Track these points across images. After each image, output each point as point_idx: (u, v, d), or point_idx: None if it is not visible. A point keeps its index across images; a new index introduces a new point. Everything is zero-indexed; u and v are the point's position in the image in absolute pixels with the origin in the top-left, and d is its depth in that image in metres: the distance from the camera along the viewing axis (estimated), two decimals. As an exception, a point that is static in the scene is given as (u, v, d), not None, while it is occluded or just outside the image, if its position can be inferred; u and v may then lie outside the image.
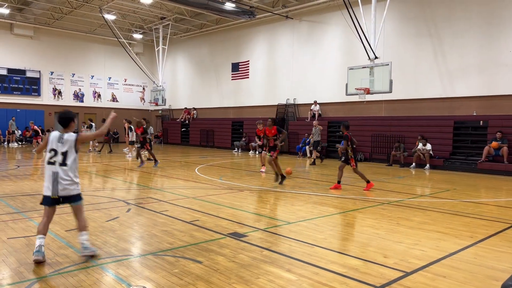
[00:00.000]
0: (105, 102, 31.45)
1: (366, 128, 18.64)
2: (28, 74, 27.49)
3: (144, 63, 30.14)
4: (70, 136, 4.56)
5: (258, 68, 24.87)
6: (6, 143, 25.24)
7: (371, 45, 15.90)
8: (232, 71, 26.49)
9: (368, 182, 9.70)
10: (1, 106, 26.35)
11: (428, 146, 15.79)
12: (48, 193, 4.50)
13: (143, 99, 33.46)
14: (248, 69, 25.49)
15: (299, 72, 22.43)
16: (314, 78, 21.68)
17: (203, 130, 27.42)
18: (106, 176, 11.78)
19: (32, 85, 27.69)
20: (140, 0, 22.28)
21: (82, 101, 30.35)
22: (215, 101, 27.90)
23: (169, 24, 26.85)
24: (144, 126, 14.38)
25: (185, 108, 29.59)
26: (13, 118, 25.41)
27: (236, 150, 23.73)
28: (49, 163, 4.50)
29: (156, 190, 9.41)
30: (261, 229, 5.85)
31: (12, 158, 17.29)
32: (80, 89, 30.22)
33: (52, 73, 28.69)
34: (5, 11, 23.98)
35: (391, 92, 15.69)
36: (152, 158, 14.62)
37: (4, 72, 26.52)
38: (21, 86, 27.24)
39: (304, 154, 20.05)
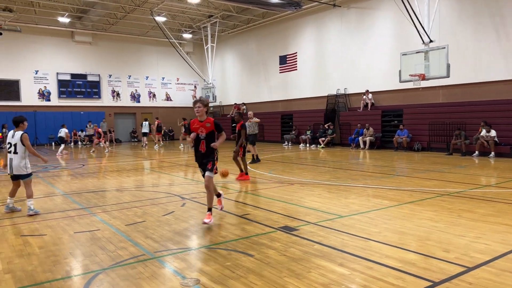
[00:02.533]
0: (159, 101, 32.69)
1: (423, 116, 17.75)
2: (89, 78, 29.28)
3: (194, 62, 30.90)
4: (18, 134, 6.71)
5: (306, 59, 24.55)
6: (73, 143, 27.11)
7: (425, 29, 15.08)
8: (280, 64, 26.39)
9: (246, 173, 10.08)
10: (67, 109, 28.32)
11: (493, 133, 14.72)
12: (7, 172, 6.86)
13: (195, 97, 34.34)
14: (296, 61, 25.25)
15: (349, 61, 21.83)
16: (365, 67, 21.00)
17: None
18: (162, 172, 12.25)
19: (93, 88, 29.46)
20: (188, 0, 22.80)
21: (138, 101, 31.78)
22: (264, 95, 27.98)
23: (216, 21, 27.27)
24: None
25: (235, 103, 29.96)
26: (104, 120, 27.67)
27: (286, 143, 23.67)
28: (8, 152, 6.73)
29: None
30: (313, 223, 5.79)
31: (76, 158, 18.53)
32: (136, 90, 31.65)
33: (110, 76, 30.32)
34: (66, 20, 25.63)
35: (448, 77, 14.81)
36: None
37: (68, 78, 28.45)
38: (83, 90, 29.08)
39: (357, 145, 19.54)
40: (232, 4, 24.37)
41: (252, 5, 22.20)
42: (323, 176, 10.60)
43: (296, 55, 25.23)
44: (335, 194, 8.13)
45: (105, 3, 23.52)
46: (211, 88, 29.27)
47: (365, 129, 19.56)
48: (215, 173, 5.92)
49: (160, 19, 26.01)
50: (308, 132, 22.40)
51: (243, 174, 10.11)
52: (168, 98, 33.13)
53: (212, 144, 5.79)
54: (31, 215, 6.62)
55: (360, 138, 19.54)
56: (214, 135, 5.90)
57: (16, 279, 3.93)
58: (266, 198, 7.75)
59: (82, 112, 28.88)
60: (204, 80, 30.23)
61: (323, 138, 21.35)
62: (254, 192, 8.36)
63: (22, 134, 6.71)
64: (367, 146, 19.12)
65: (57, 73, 27.98)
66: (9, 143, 6.73)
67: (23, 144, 6.67)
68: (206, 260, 4.36)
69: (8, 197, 6.99)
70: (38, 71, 27.37)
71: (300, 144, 22.56)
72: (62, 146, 20.19)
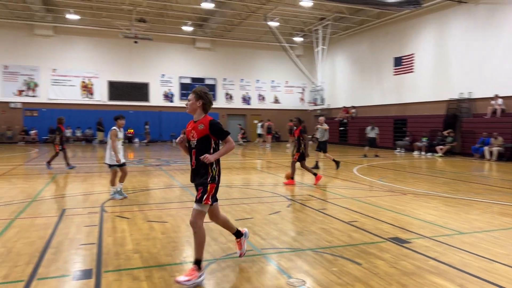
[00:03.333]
0: (268, 104, 33.68)
1: None
2: (207, 82, 31.60)
3: (304, 65, 31.12)
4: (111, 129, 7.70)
5: (424, 60, 22.84)
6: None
7: None
8: (395, 66, 25.02)
9: (291, 178, 9.94)
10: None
11: None
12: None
13: (303, 99, 34.56)
14: (413, 63, 23.66)
15: (475, 62, 19.67)
16: (494, 69, 18.71)
17: (362, 129, 26.66)
18: (269, 172, 12.60)
19: (209, 91, 31.64)
20: (301, 3, 23.05)
21: (249, 104, 33.21)
22: (376, 98, 26.82)
23: (328, 24, 27.05)
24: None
25: (344, 107, 29.33)
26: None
27: (398, 150, 22.35)
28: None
29: (315, 188, 9.61)
30: (427, 237, 5.37)
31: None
32: (247, 92, 33.13)
33: (225, 79, 32.28)
34: (189, 28, 28.06)
35: None
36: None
37: (189, 81, 31.12)
38: (201, 92, 31.47)
39: (482, 156, 17.52)
40: (346, 6, 23.93)
41: (367, 5, 21.51)
42: (440, 187, 9.75)
43: (413, 56, 23.66)
44: (454, 208, 7.41)
45: (224, 11, 25.10)
46: (320, 90, 29.16)
47: (492, 138, 17.43)
48: (209, 204, 4.00)
49: (273, 24, 26.78)
50: (424, 139, 20.82)
51: (290, 179, 10.00)
52: (276, 101, 33.94)
53: (202, 157, 3.88)
54: (110, 199, 7.72)
55: (486, 148, 17.48)
56: (210, 142, 3.97)
57: (143, 259, 4.43)
58: (375, 206, 7.43)
59: (199, 113, 31.23)
60: (313, 82, 30.25)
61: (441, 146, 19.62)
62: (362, 199, 8.08)
63: (111, 129, 7.66)
64: (494, 157, 17.01)
65: (180, 77, 30.80)
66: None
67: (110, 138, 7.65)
68: (312, 263, 4.36)
69: (119, 183, 7.95)
70: (164, 75, 30.48)
71: (414, 151, 21.09)
72: None
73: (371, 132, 18.83)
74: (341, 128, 29.17)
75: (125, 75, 29.26)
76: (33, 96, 27.37)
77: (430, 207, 7.44)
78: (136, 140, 29.13)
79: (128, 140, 28.69)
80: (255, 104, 33.38)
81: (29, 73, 27.16)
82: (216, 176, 4.02)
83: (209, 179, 3.93)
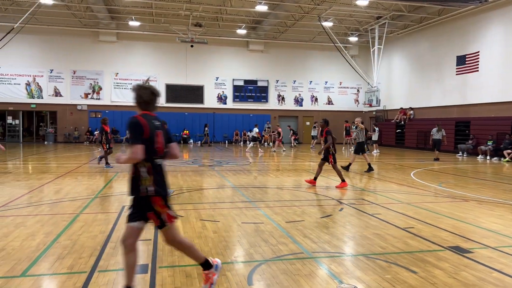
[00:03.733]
0: (321, 105, 33.24)
1: None
2: (259, 84, 31.86)
3: (359, 65, 30.35)
4: None
5: (491, 59, 21.33)
6: (242, 143, 29.96)
7: None
8: (457, 65, 23.61)
9: (343, 181, 9.74)
10: (239, 112, 31.46)
11: None
12: None
13: (357, 100, 33.71)
14: (478, 61, 22.19)
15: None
16: None
17: (420, 131, 25.49)
18: (321, 175, 12.41)
19: (261, 93, 31.96)
20: (356, 2, 22.51)
21: (301, 105, 33.00)
22: (435, 99, 25.48)
23: (385, 22, 26.17)
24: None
25: (401, 108, 28.18)
26: (268, 122, 30.07)
27: (460, 153, 21.06)
28: None
29: (368, 192, 9.33)
30: (491, 247, 5.00)
31: (244, 155, 20.35)
32: (299, 94, 32.93)
33: (277, 81, 32.34)
34: (243, 31, 28.46)
35: None
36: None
37: (241, 83, 31.57)
38: (253, 94, 31.83)
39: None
40: (405, 4, 23.02)
41: (427, 2, 20.53)
42: (507, 194, 9.05)
43: (478, 55, 22.19)
44: (523, 217, 6.84)
45: (277, 12, 25.17)
46: (375, 91, 28.26)
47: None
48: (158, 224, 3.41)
49: (327, 24, 26.41)
50: (490, 143, 19.44)
51: (341, 182, 9.84)
52: (329, 102, 33.40)
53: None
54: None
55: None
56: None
57: (195, 257, 4.55)
58: (433, 212, 7.06)
59: (251, 115, 31.61)
60: (368, 83, 29.39)
61: (509, 150, 18.21)
62: (420, 205, 7.71)
63: None
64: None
65: (233, 79, 31.33)
66: None
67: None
68: (364, 269, 4.23)
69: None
70: (218, 77, 31.17)
71: (478, 155, 19.77)
72: (251, 144, 22.63)
73: (437, 134, 17.90)
74: (398, 131, 28.06)
75: (182, 78, 30.31)
76: (98, 99, 29.22)
77: (495, 215, 6.93)
78: (191, 141, 30.04)
79: (183, 141, 29.69)
80: (307, 105, 33.10)
81: (94, 77, 29.04)
82: (148, 187, 3.30)
83: (140, 189, 3.32)
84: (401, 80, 29.21)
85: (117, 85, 29.41)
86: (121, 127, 28.57)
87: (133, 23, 26.32)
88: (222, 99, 31.40)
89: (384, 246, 5.04)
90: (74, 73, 28.67)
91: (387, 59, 30.00)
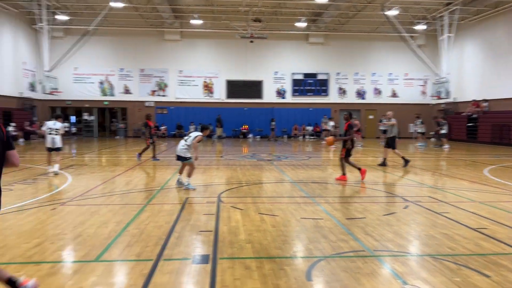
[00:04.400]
0: (385, 98, 31.95)
1: None
2: (319, 77, 31.37)
3: (426, 55, 28.70)
4: (196, 133, 8.53)
5: None
6: (302, 137, 29.75)
7: None
8: (540, 52, 21.41)
9: (343, 174, 9.76)
10: (298, 106, 31.25)
11: None
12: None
13: (425, 92, 31.92)
14: None
15: None
16: None
17: (495, 125, 23.54)
18: (385, 171, 11.97)
19: (321, 86, 31.45)
20: (423, -11, 21.26)
21: (363, 98, 31.97)
22: (514, 90, 23.36)
23: (456, 9, 24.43)
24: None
25: (473, 100, 26.21)
26: (325, 116, 29.67)
27: (543, 149, 19.14)
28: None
29: (436, 189, 8.81)
30: None
31: (303, 150, 20.19)
32: (362, 87, 31.90)
33: (338, 74, 31.61)
34: (302, 24, 28.14)
35: None
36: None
37: (301, 77, 31.30)
38: (313, 88, 31.42)
39: None
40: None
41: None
42: None
43: None
44: None
45: (338, 4, 24.54)
46: (444, 82, 26.59)
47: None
48: None
49: (391, 13, 25.25)
50: None
51: (342, 175, 9.85)
52: (394, 94, 32.00)
53: None
54: (184, 189, 8.32)
55: None
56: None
57: (254, 250, 4.61)
58: (510, 213, 6.50)
59: (310, 109, 31.25)
60: (437, 74, 27.71)
61: None
62: (494, 204, 7.13)
63: (197, 135, 8.42)
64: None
65: (292, 73, 31.15)
66: (189, 136, 8.57)
67: (193, 140, 8.38)
68: (430, 270, 4.01)
69: (179, 174, 8.74)
70: (277, 72, 31.17)
71: None
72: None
73: None
74: (470, 124, 26.13)
75: (241, 74, 30.74)
76: (163, 96, 30.61)
77: None
78: (250, 135, 30.41)
79: (243, 135, 30.16)
80: (370, 98, 31.98)
81: (160, 75, 30.45)
82: None
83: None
84: (474, 70, 27.11)
85: (181, 82, 30.57)
86: (185, 122, 29.69)
87: (195, 21, 27.13)
88: (281, 93, 31.38)
89: (453, 247, 4.73)
90: (142, 72, 30.28)
91: (458, 48, 28.01)
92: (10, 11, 24.81)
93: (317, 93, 31.46)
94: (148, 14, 27.58)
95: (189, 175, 8.40)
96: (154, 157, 14.16)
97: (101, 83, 30.10)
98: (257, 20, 27.26)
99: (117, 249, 4.63)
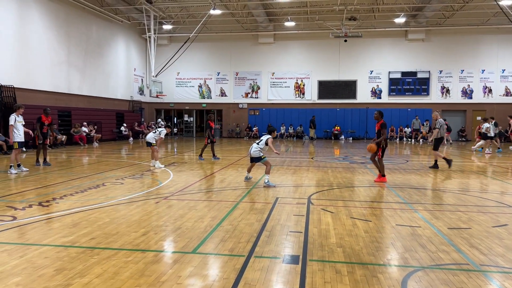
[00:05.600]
0: (496, 97, 28.71)
1: None
2: (419, 75, 29.38)
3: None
4: (266, 137, 9.28)
5: None
6: (398, 139, 28.14)
7: None
8: None
9: (383, 175, 9.73)
10: (395, 106, 29.64)
11: None
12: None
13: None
14: None
15: None
16: None
17: None
18: (495, 178, 10.77)
19: (421, 85, 29.41)
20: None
21: (470, 98, 29.13)
22: None
23: None
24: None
25: None
26: (416, 117, 27.93)
27: None
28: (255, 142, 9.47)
29: (560, 202, 7.65)
30: None
31: (400, 153, 19.07)
32: (468, 85, 29.10)
33: (440, 71, 29.26)
34: (401, 20, 26.62)
35: None
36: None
37: (399, 76, 29.64)
38: (412, 87, 29.53)
39: None
40: None
41: None
42: None
43: None
44: None
45: (441, -4, 22.72)
46: None
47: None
48: None
49: (506, 2, 22.57)
50: None
51: (380, 176, 9.82)
52: (508, 93, 28.58)
53: None
54: (265, 186, 8.86)
55: None
56: None
57: (346, 254, 4.50)
58: None
59: (409, 109, 29.41)
60: None
61: None
62: None
63: (269, 138, 9.28)
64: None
65: (389, 72, 29.65)
66: (261, 139, 9.46)
67: (266, 144, 9.26)
68: (551, 293, 3.51)
69: (247, 172, 9.82)
70: (372, 71, 29.96)
71: None
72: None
73: None
74: None
75: (334, 74, 30.19)
76: (256, 98, 31.49)
77: None
78: (342, 137, 29.69)
79: (334, 137, 29.58)
80: (478, 97, 29.00)
81: (253, 78, 31.39)
82: None
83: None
84: None
85: (273, 84, 31.13)
86: (277, 124, 30.14)
87: (289, 23, 27.39)
88: (376, 93, 30.10)
89: None
90: (236, 75, 31.54)
91: None
92: (124, 23, 27.80)
93: (417, 92, 29.52)
94: (243, 19, 28.64)
95: (267, 172, 9.14)
96: (214, 156, 14.76)
97: (200, 86, 32.07)
98: (352, 18, 26.53)
99: (212, 243, 4.89)
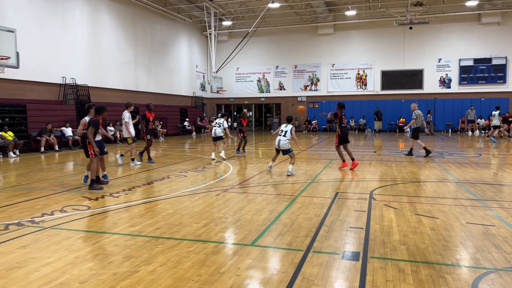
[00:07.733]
0: None
1: None
2: (494, 62, 27.04)
3: None
4: (290, 126, 9.80)
5: None
6: (470, 132, 26.20)
7: None
8: None
9: (343, 161, 10.74)
10: (466, 96, 27.62)
11: None
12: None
13: None
14: None
15: None
16: None
17: None
18: None
19: (497, 73, 27.06)
20: None
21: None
22: None
23: None
24: None
25: None
26: (472, 107, 25.84)
27: None
28: (279, 134, 9.88)
29: None
30: None
31: (472, 146, 17.76)
32: (553, 70, 26.26)
33: (520, 57, 26.72)
34: (473, 3, 24.64)
35: None
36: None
37: (470, 63, 27.52)
38: (486, 75, 27.28)
39: None
40: None
41: None
42: None
43: None
44: None
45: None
46: None
47: None
48: None
49: None
50: None
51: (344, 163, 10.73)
52: None
53: None
54: (288, 175, 9.37)
55: None
56: None
57: (410, 252, 4.29)
58: None
59: (482, 99, 27.27)
60: None
61: None
62: None
63: (292, 127, 9.75)
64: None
65: (460, 59, 27.66)
66: (281, 130, 9.86)
67: (291, 133, 9.71)
68: None
69: (271, 161, 10.40)
70: (441, 59, 28.13)
71: None
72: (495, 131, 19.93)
73: None
74: None
75: (398, 63, 28.81)
76: (315, 90, 31.03)
77: None
78: (408, 130, 28.21)
79: (399, 129, 28.27)
80: None
81: (312, 70, 30.94)
82: None
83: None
84: None
85: (333, 76, 30.46)
86: (337, 116, 29.46)
87: (350, 13, 26.57)
88: (445, 82, 28.25)
89: None
90: (295, 68, 31.29)
91: None
92: (186, 21, 28.73)
93: (492, 80, 27.25)
94: (302, 11, 28.27)
95: (292, 163, 9.77)
96: (238, 150, 14.81)
97: (259, 80, 32.29)
98: (418, 4, 25.07)
99: (270, 236, 4.91)
